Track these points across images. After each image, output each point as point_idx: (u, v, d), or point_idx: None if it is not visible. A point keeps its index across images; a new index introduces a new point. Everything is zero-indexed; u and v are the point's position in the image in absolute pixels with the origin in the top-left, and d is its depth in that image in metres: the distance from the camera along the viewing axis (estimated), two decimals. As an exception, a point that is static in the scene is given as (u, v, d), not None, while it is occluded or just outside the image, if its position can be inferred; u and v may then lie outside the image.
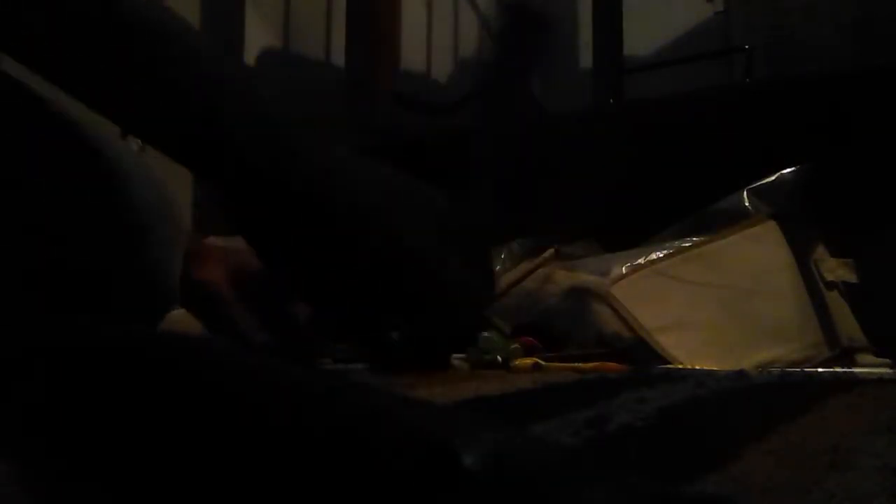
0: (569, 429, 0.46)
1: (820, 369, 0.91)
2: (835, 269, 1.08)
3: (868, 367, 0.94)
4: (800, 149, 1.17)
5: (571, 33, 2.45)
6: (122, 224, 0.50)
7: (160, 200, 0.55)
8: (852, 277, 1.08)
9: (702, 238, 1.10)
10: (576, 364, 0.91)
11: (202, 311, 0.74)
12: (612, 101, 1.86)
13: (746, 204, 1.11)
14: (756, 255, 1.08)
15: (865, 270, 1.09)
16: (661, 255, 1.09)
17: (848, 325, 1.05)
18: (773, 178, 1.12)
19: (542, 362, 0.91)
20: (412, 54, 2.06)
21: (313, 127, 0.62)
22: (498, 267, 1.28)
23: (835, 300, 1.07)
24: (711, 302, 1.04)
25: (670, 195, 1.22)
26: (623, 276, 1.07)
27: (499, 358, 0.93)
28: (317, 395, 0.29)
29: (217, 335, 0.68)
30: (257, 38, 1.79)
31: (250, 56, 1.78)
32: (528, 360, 0.91)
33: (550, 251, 1.14)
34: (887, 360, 0.98)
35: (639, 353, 0.98)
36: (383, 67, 1.76)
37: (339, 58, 1.86)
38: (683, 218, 1.15)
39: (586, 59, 2.20)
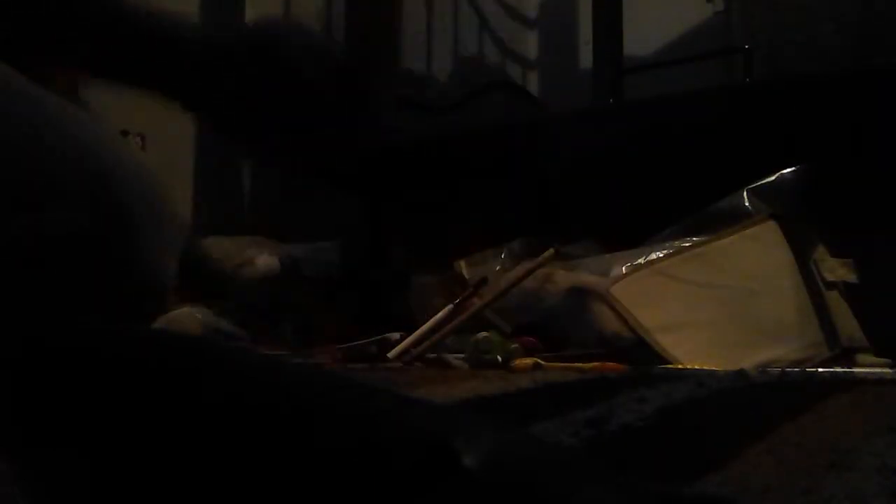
0: (569, 429, 0.46)
1: (820, 369, 0.91)
2: (835, 269, 1.08)
3: (868, 367, 0.94)
4: (800, 149, 1.17)
5: (571, 33, 2.45)
6: (107, 220, 0.48)
7: (152, 197, 0.53)
8: (852, 277, 1.08)
9: (702, 238, 1.09)
10: (576, 364, 0.91)
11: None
12: (612, 101, 1.86)
13: (746, 204, 1.11)
14: (756, 255, 1.08)
15: (865, 270, 1.09)
16: (661, 255, 1.08)
17: (848, 325, 1.05)
18: (773, 178, 1.11)
19: (542, 362, 0.91)
20: (412, 54, 2.06)
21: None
22: (498, 267, 1.27)
23: (835, 300, 1.06)
24: (711, 302, 1.04)
25: (670, 195, 1.22)
26: (623, 276, 1.07)
27: (499, 358, 0.93)
28: (318, 394, 0.29)
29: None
30: (257, 38, 1.79)
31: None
32: (528, 360, 0.91)
33: (550, 251, 1.14)
34: (887, 360, 0.97)
35: (639, 353, 0.98)
36: (383, 67, 1.76)
37: (339, 58, 1.86)
38: (683, 218, 1.15)
39: (586, 59, 2.20)
